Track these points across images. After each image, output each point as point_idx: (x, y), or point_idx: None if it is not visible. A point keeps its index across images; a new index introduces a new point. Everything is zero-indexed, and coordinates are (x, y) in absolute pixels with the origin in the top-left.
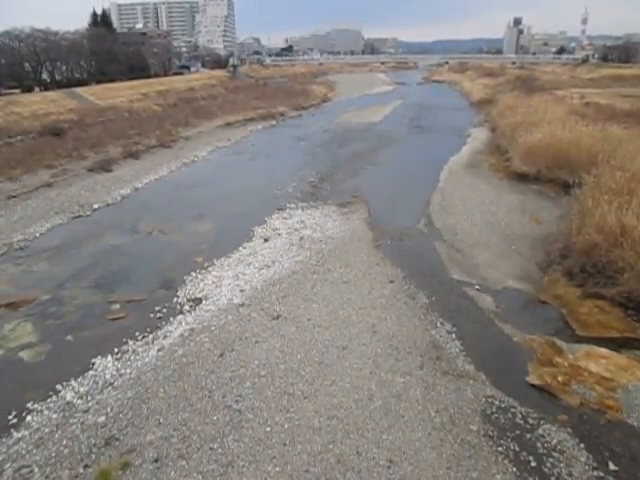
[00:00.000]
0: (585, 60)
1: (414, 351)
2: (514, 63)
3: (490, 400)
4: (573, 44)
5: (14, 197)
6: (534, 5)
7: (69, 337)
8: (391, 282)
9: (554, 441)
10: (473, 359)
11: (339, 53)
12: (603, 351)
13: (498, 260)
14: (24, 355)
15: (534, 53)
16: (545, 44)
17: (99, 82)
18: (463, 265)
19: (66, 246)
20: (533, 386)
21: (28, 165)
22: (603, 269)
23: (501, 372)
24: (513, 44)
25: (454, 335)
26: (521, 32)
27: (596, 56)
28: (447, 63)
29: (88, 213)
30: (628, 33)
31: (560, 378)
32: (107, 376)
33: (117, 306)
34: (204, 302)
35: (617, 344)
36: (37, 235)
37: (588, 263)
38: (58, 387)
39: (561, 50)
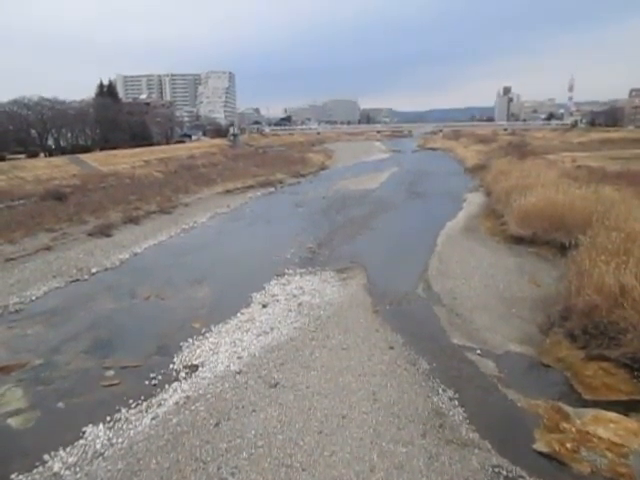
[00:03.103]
0: (574, 125)
1: (416, 419)
2: (506, 129)
3: (497, 470)
4: (561, 110)
5: (13, 260)
6: (522, 74)
7: (60, 404)
8: (391, 348)
9: None
10: (477, 426)
11: (336, 122)
12: (611, 415)
13: (498, 323)
14: (12, 422)
15: (524, 120)
16: (535, 111)
17: (102, 149)
18: (463, 329)
19: (62, 310)
20: (541, 454)
21: (29, 228)
22: (605, 330)
23: (507, 439)
24: (504, 111)
25: (457, 402)
26: (511, 100)
27: (584, 121)
28: (441, 131)
29: (86, 277)
30: (612, 99)
31: (569, 445)
32: (97, 446)
33: (111, 372)
34: (200, 369)
35: (625, 407)
36: (33, 298)
37: (589, 324)
38: (45, 457)
39: (550, 116)
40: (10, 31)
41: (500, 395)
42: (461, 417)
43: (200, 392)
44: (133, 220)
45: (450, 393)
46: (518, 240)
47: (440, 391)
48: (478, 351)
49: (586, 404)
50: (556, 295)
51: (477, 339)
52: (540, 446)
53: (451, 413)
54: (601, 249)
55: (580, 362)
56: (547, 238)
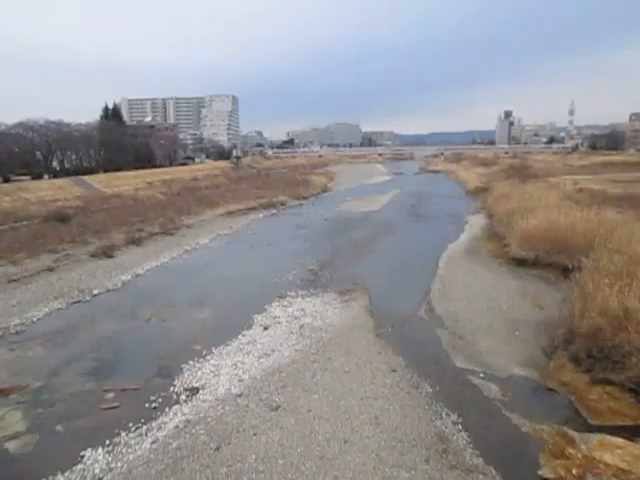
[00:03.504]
0: (575, 148)
1: (419, 443)
2: (507, 153)
3: None
4: (562, 134)
5: (15, 281)
6: (523, 98)
7: (59, 427)
8: (393, 371)
9: None
10: (481, 451)
11: (338, 145)
12: (617, 440)
13: (502, 346)
14: (10, 446)
15: (525, 143)
16: (536, 134)
17: (106, 171)
18: (466, 352)
19: (63, 331)
20: None
21: (31, 249)
22: (610, 354)
23: (512, 465)
24: (505, 135)
25: (460, 426)
26: (512, 124)
27: (585, 144)
28: (442, 154)
29: (88, 298)
30: (613, 122)
31: (575, 471)
32: (96, 470)
33: (111, 395)
34: (201, 392)
35: (631, 432)
36: (34, 320)
37: (594, 348)
38: None
39: (551, 140)
40: (19, 55)
41: (504, 419)
42: (465, 442)
43: (200, 415)
44: (135, 241)
45: (454, 417)
46: (520, 262)
47: (443, 415)
48: (481, 374)
49: (591, 429)
50: (560, 318)
51: (480, 362)
52: (545, 472)
53: (455, 438)
54: (604, 272)
55: (585, 386)
56: (550, 260)
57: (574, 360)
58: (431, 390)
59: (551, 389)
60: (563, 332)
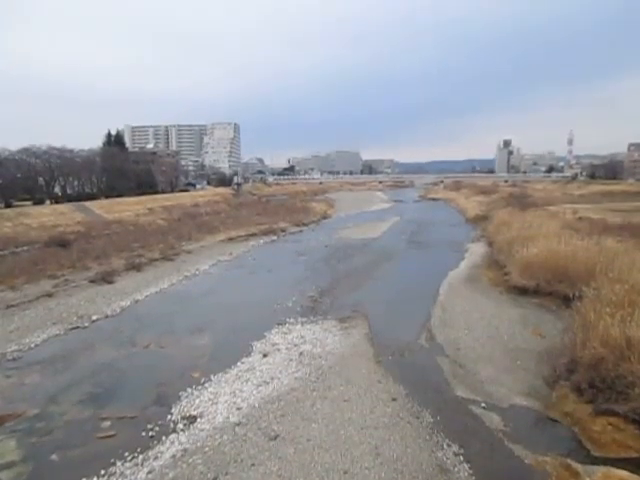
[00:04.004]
0: (574, 177)
1: (420, 475)
2: (506, 181)
3: None
4: (561, 163)
5: (13, 306)
6: (522, 127)
7: (54, 456)
8: (394, 400)
9: None
10: None
11: (339, 173)
12: (622, 473)
13: (503, 375)
14: (3, 476)
15: (525, 172)
16: (535, 163)
17: (108, 197)
18: (467, 381)
19: (61, 358)
20: None
21: (31, 275)
22: (612, 384)
23: None
24: (504, 164)
25: (462, 457)
26: (511, 153)
27: (584, 174)
28: (442, 182)
29: (86, 324)
30: (612, 152)
31: None
32: None
33: (107, 423)
34: (199, 420)
35: (636, 465)
36: (32, 346)
37: (596, 378)
38: None
39: (550, 169)
40: (24, 82)
41: (507, 451)
42: (467, 473)
43: (198, 444)
44: (135, 267)
45: (455, 448)
46: (521, 291)
47: (445, 446)
48: (483, 404)
49: (596, 461)
50: (561, 347)
51: (482, 391)
52: None
53: (456, 469)
54: (605, 301)
55: (588, 417)
56: (550, 289)
57: (576, 390)
58: (432, 420)
59: (554, 420)
60: (565, 361)
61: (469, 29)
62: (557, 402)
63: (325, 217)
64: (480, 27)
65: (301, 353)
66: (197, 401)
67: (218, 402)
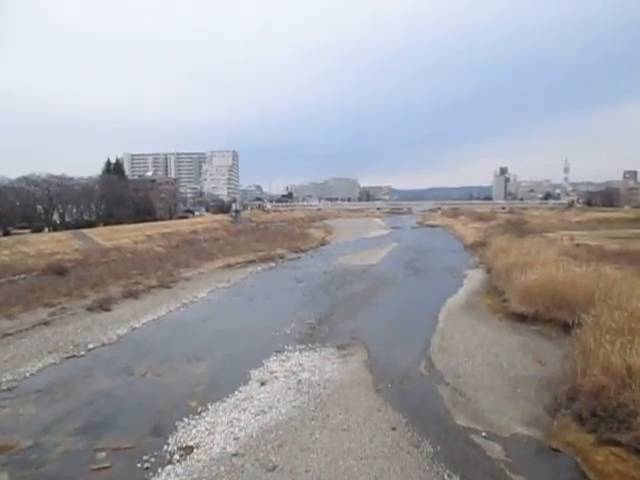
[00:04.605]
0: (571, 205)
1: None
2: (504, 208)
3: None
4: (558, 190)
5: (9, 335)
6: (519, 155)
7: None
8: (393, 429)
9: None
10: None
11: (336, 199)
12: None
13: (504, 404)
14: None
15: (522, 199)
16: (531, 190)
17: (106, 224)
18: (467, 410)
19: (56, 388)
20: None
21: (28, 303)
22: (614, 413)
23: None
24: (501, 191)
25: None
26: (508, 180)
27: (581, 201)
28: (440, 208)
29: (82, 353)
30: (608, 180)
31: None
32: None
33: (103, 454)
34: (195, 451)
35: None
36: (27, 375)
37: (598, 406)
38: None
39: (547, 196)
40: (26, 110)
41: None
42: None
43: (194, 476)
44: (133, 294)
45: (456, 479)
46: (520, 318)
47: (446, 476)
48: (484, 433)
49: None
50: (562, 375)
51: (482, 420)
52: None
53: None
54: (605, 328)
55: (590, 447)
56: (550, 316)
57: (578, 419)
58: (432, 450)
59: (556, 449)
60: (566, 390)
61: (470, 62)
62: (559, 431)
63: (323, 244)
64: (478, 60)
65: (299, 381)
66: (194, 431)
67: (215, 432)
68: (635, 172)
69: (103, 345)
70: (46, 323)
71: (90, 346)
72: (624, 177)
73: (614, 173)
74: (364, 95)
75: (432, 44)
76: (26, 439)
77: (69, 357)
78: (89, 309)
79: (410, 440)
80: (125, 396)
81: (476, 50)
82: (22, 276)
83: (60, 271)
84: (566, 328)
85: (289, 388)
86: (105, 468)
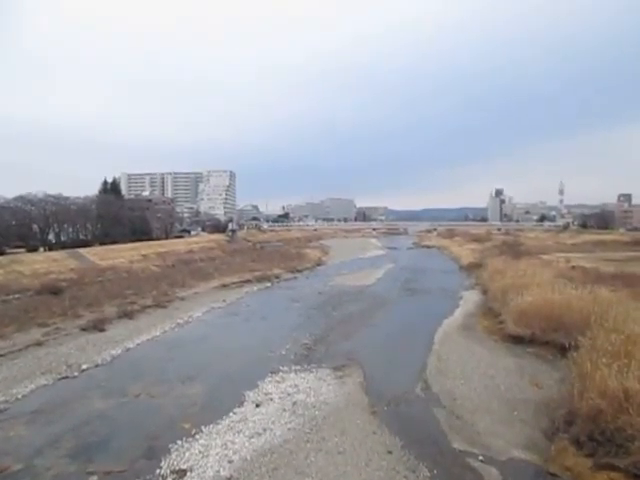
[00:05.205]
0: (566, 227)
1: None
2: (499, 229)
3: None
4: (553, 212)
5: (2, 356)
6: (514, 177)
7: None
8: (389, 453)
9: None
10: None
11: (333, 220)
12: None
13: (501, 427)
14: None
15: (517, 220)
16: (527, 212)
17: (102, 243)
18: (464, 433)
19: (48, 409)
20: None
21: (21, 323)
22: (612, 437)
23: None
24: (497, 212)
25: None
26: (503, 201)
27: (576, 223)
28: (435, 229)
29: (75, 374)
30: (602, 202)
31: None
32: None
33: (94, 478)
34: (189, 474)
35: None
36: (19, 397)
37: (595, 430)
38: None
39: (542, 218)
40: (26, 130)
41: None
42: None
43: None
44: (128, 314)
45: None
46: (516, 340)
47: None
48: (481, 457)
49: None
50: (559, 398)
51: (479, 444)
52: None
53: None
54: (602, 351)
55: (588, 471)
56: (546, 338)
57: (576, 443)
58: (429, 474)
59: (553, 474)
60: (563, 413)
61: (465, 88)
62: (556, 455)
63: (319, 264)
64: (474, 92)
65: (295, 403)
66: (187, 454)
67: (209, 455)
68: (629, 195)
69: (97, 366)
70: (39, 343)
71: (84, 367)
72: (618, 200)
73: (607, 195)
74: (365, 118)
75: (426, 72)
76: (17, 462)
77: (62, 378)
78: (83, 329)
79: (406, 464)
80: (118, 418)
81: (471, 79)
82: (16, 296)
83: (55, 291)
84: (562, 350)
85: (284, 410)
86: None
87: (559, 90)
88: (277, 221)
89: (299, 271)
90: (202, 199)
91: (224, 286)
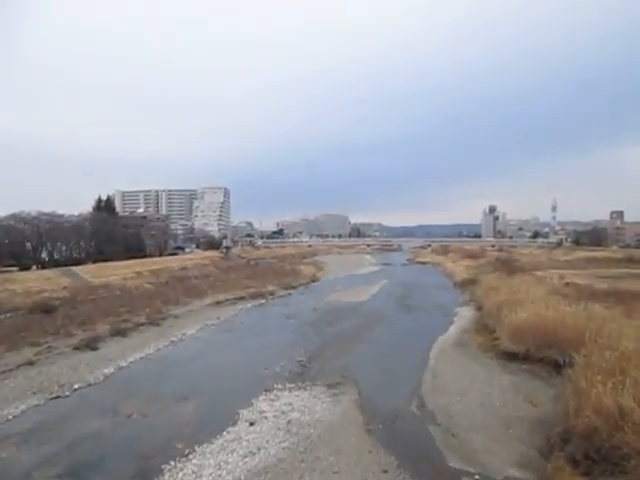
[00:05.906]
0: (559, 243)
1: None
2: (493, 246)
3: None
4: (546, 229)
5: None
6: (507, 194)
7: None
8: (385, 472)
9: None
10: None
11: (327, 236)
12: None
13: (496, 445)
14: None
15: (510, 237)
16: (520, 229)
17: (96, 261)
18: (460, 451)
19: (39, 430)
20: None
21: (13, 342)
22: (608, 455)
23: None
24: (490, 229)
25: None
26: (497, 218)
27: (569, 240)
28: (430, 246)
29: (67, 394)
30: (595, 219)
31: None
32: None
33: None
34: None
35: None
36: (10, 417)
37: (591, 449)
38: None
39: (536, 234)
40: (15, 149)
41: None
42: None
43: None
44: (121, 332)
45: None
46: (511, 356)
47: None
48: (477, 476)
49: None
50: (554, 415)
51: (475, 462)
52: None
53: None
54: (596, 368)
55: None
56: (540, 355)
57: (572, 461)
58: None
59: None
60: (559, 431)
61: (461, 108)
62: (553, 474)
63: (314, 280)
64: (466, 107)
65: (289, 421)
66: (180, 474)
67: (202, 475)
68: (622, 212)
69: (89, 385)
70: (31, 363)
71: (76, 386)
72: (611, 217)
73: (599, 212)
74: (359, 136)
75: (423, 92)
76: None
77: (54, 398)
78: (76, 348)
79: None
80: (110, 438)
81: (463, 98)
82: (8, 315)
83: (47, 309)
84: (557, 367)
85: (278, 428)
86: None
87: (553, 108)
88: (271, 237)
89: (293, 287)
90: (196, 216)
91: (218, 303)
